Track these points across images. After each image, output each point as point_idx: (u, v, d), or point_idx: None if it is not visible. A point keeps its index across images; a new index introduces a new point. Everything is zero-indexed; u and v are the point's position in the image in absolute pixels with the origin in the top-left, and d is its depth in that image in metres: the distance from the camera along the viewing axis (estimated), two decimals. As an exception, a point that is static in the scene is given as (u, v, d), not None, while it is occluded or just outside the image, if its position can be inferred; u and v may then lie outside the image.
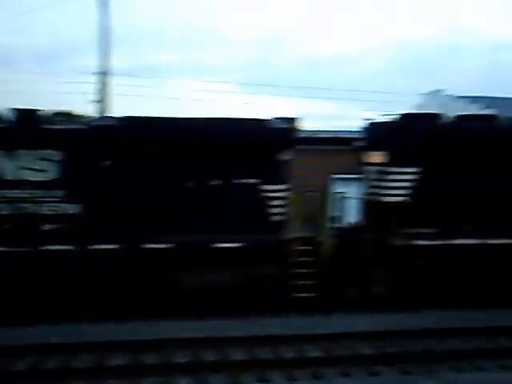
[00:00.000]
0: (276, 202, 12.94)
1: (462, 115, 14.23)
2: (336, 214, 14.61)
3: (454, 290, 13.27)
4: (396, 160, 13.22)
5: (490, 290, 13.42)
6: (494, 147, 13.49)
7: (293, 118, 18.26)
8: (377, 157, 13.57)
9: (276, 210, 12.95)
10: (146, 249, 12.42)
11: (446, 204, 13.18)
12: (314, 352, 10.45)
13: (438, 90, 32.63)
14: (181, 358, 10.08)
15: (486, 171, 13.41)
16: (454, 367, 9.79)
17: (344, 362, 9.87)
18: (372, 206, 13.44)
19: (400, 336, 11.23)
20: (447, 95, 31.13)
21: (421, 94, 34.95)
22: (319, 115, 60.66)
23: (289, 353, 10.42)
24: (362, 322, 12.33)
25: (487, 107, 25.89)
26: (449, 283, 13.29)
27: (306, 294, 12.91)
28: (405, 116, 13.68)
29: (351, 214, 14.54)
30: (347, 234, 13.89)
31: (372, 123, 14.19)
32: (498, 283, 13.47)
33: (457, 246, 13.21)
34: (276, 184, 12.92)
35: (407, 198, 13.19)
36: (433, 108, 23.83)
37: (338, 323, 12.30)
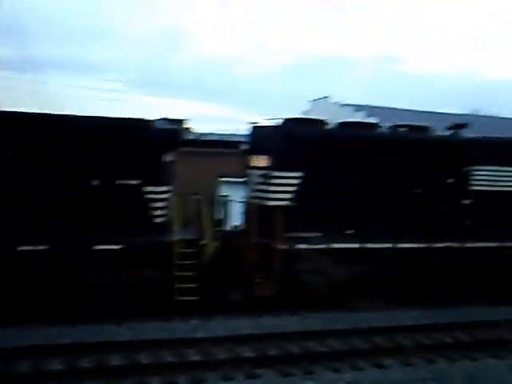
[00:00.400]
0: (159, 204, 12.74)
1: (344, 122, 14.68)
2: (220, 217, 14.63)
3: (336, 292, 13.67)
4: (278, 164, 13.41)
5: (370, 292, 13.96)
6: (373, 153, 14.00)
7: (181, 120, 18.10)
8: (260, 161, 13.70)
9: (158, 212, 12.75)
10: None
11: (328, 209, 13.48)
12: (194, 356, 10.34)
13: (325, 97, 33.60)
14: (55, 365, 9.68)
15: (366, 177, 13.89)
16: (333, 367, 10.00)
17: (225, 366, 9.84)
18: (256, 210, 13.51)
19: (282, 338, 11.36)
20: (333, 103, 32.12)
21: (309, 101, 35.93)
22: (212, 117, 60.90)
23: (168, 357, 10.26)
24: (244, 325, 12.39)
25: (369, 115, 26.99)
26: (331, 286, 13.66)
27: (188, 298, 12.78)
28: (287, 121, 13.92)
29: (236, 218, 14.59)
30: (231, 238, 13.92)
31: (256, 127, 14.32)
32: (377, 285, 14.01)
33: (338, 250, 13.54)
34: (159, 185, 12.71)
35: (290, 202, 13.40)
36: (319, 114, 24.44)
37: (220, 326, 12.27)
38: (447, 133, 15.50)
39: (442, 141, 15.08)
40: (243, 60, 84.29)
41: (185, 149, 14.94)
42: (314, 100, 34.38)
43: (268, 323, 12.70)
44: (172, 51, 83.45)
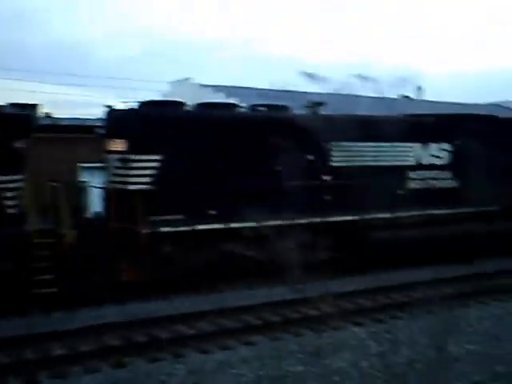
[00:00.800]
0: (11, 194, 12.05)
1: (203, 103, 14.64)
2: (80, 204, 14.13)
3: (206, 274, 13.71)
4: (136, 147, 13.16)
5: (236, 272, 14.14)
6: (233, 133, 14.06)
7: (33, 105, 17.25)
8: (118, 144, 13.34)
9: (11, 202, 12.07)
10: None
11: (189, 190, 13.39)
12: (57, 350, 9.92)
13: (186, 79, 33.35)
14: None
15: (226, 157, 13.94)
16: (203, 349, 9.99)
17: (90, 358, 9.52)
18: (117, 195, 13.15)
19: (150, 324, 11.19)
20: (193, 84, 31.96)
21: (169, 82, 35.52)
22: (70, 102, 58.50)
23: (29, 354, 9.77)
24: (112, 313, 12.10)
25: (229, 96, 27.14)
26: (199, 268, 13.67)
27: (47, 290, 12.23)
28: (143, 103, 13.65)
29: (96, 204, 14.14)
30: (92, 224, 13.48)
31: (112, 110, 13.90)
32: (243, 265, 14.20)
33: (202, 231, 13.51)
34: (9, 174, 12.02)
35: (151, 185, 13.17)
36: (179, 96, 24.21)
37: (85, 317, 11.88)
38: (305, 111, 15.89)
39: (300, 119, 15.41)
40: (104, 44, 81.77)
41: (40, 135, 14.27)
42: (174, 82, 34.07)
43: (136, 309, 12.49)
44: (29, 33, 79.19)
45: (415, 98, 44.35)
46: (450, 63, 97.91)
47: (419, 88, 47.17)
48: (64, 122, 20.32)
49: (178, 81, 33.36)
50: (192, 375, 8.87)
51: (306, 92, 32.20)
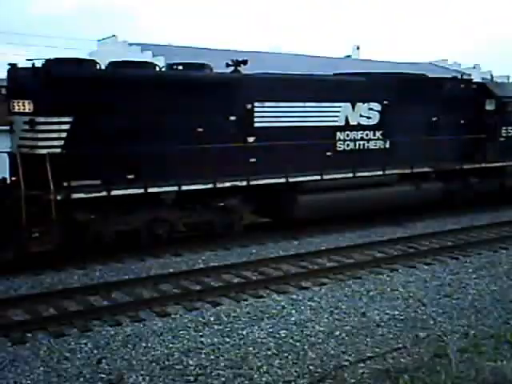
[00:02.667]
0: None
1: (116, 61, 13.86)
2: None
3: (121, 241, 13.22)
4: (43, 109, 12.29)
5: (156, 239, 13.71)
6: (148, 94, 13.35)
7: None
8: (23, 106, 12.49)
9: None
10: None
11: (105, 154, 12.70)
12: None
13: (112, 36, 32.16)
14: None
15: (143, 118, 13.27)
16: (113, 322, 9.51)
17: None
18: (25, 160, 12.33)
19: (60, 296, 10.63)
20: (121, 42, 30.87)
21: (97, 41, 34.26)
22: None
23: None
24: (21, 285, 11.54)
25: (156, 55, 26.30)
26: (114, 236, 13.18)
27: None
28: (50, 62, 12.79)
29: (1, 170, 13.29)
30: (-2, 191, 12.70)
31: (15, 69, 12.92)
32: (163, 230, 13.80)
33: (118, 197, 12.90)
34: None
35: (62, 149, 12.40)
36: (105, 55, 23.26)
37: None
38: (227, 70, 15.31)
39: (221, 78, 14.85)
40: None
41: None
42: (101, 40, 32.84)
43: (48, 280, 11.91)
44: None
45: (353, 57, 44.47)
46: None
47: (358, 48, 47.35)
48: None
49: (105, 39, 32.19)
50: (97, 350, 8.41)
51: (245, 51, 31.93)
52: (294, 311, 10.11)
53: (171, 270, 12.49)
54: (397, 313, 10.27)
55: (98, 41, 33.24)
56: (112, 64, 13.90)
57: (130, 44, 29.85)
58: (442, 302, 10.94)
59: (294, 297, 10.80)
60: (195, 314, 9.88)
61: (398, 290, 11.37)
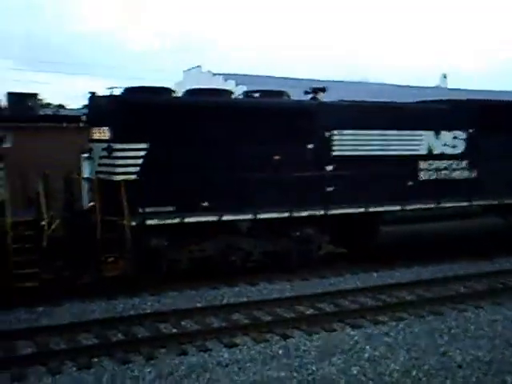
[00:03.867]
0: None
1: (193, 89, 13.96)
2: (74, 195, 13.54)
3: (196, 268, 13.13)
4: (120, 136, 12.43)
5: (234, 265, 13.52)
6: (225, 121, 13.28)
7: (31, 94, 16.74)
8: (102, 133, 12.68)
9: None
10: None
11: (180, 181, 12.69)
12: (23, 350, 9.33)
13: (198, 67, 32.72)
14: None
15: (219, 145, 13.20)
16: (179, 350, 9.30)
17: (59, 357, 8.89)
18: (102, 186, 12.48)
19: (126, 322, 10.55)
20: (205, 72, 31.34)
21: (183, 71, 34.95)
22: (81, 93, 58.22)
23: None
24: (94, 309, 11.58)
25: (239, 84, 26.44)
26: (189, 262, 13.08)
27: (28, 284, 11.66)
28: (128, 90, 12.97)
29: (83, 195, 13.49)
30: (77, 216, 12.87)
31: (95, 97, 13.19)
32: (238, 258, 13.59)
33: (194, 223, 12.83)
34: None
35: (138, 175, 12.45)
36: (190, 84, 23.56)
37: (66, 313, 11.35)
38: (305, 97, 15.07)
39: (299, 105, 14.62)
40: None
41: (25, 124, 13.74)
42: (186, 70, 33.49)
43: (122, 305, 11.90)
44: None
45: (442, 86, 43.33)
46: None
47: (445, 76, 46.13)
48: (65, 113, 19.83)
49: (190, 69, 32.79)
50: (160, 379, 8.19)
51: (328, 80, 31.76)
52: (368, 347, 9.57)
53: (244, 299, 12.22)
54: (481, 354, 9.53)
55: (184, 71, 33.88)
56: (188, 92, 13.98)
57: (214, 74, 30.22)
58: (532, 343, 10.12)
59: (369, 331, 10.26)
60: (263, 346, 9.52)
61: (483, 329, 10.60)
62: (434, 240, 15.60)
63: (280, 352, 9.25)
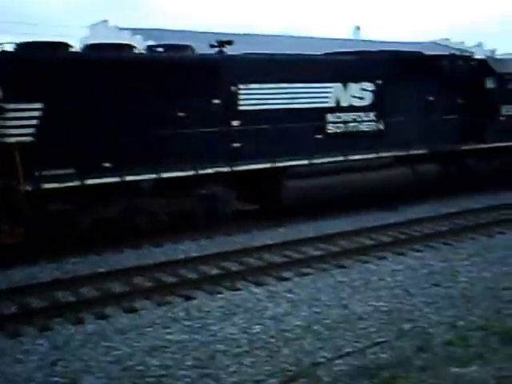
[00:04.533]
0: None
1: (93, 44, 13.38)
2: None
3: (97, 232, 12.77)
4: (12, 95, 11.76)
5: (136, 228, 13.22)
6: (128, 77, 12.82)
7: None
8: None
9: None
10: None
11: (79, 141, 12.20)
12: None
13: (104, 21, 31.58)
14: None
15: (122, 102, 12.75)
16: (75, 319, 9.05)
17: None
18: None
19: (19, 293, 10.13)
20: (111, 27, 30.30)
21: (88, 27, 33.68)
22: None
23: None
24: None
25: (147, 39, 25.73)
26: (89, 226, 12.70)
27: None
28: (21, 46, 12.27)
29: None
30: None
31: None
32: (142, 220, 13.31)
33: (95, 186, 12.42)
34: None
35: (33, 137, 11.87)
36: (97, 39, 22.68)
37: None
38: (211, 51, 14.73)
39: (203, 59, 14.27)
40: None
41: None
42: (92, 25, 32.27)
43: (18, 275, 11.44)
44: None
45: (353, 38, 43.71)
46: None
47: (358, 28, 46.56)
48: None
49: (96, 24, 31.59)
50: (54, 351, 7.94)
51: (241, 34, 31.30)
52: (270, 304, 9.60)
53: (149, 262, 12.01)
54: (381, 304, 9.74)
55: (89, 26, 32.67)
56: (87, 47, 13.40)
57: (121, 28, 29.25)
58: (431, 291, 10.40)
59: (273, 289, 10.29)
60: (165, 309, 9.39)
61: (384, 280, 10.83)
62: (343, 193, 15.76)
63: (181, 314, 9.15)
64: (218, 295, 9.94)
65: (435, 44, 42.86)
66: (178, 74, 13.37)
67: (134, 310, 9.27)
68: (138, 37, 26.88)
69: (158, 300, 9.68)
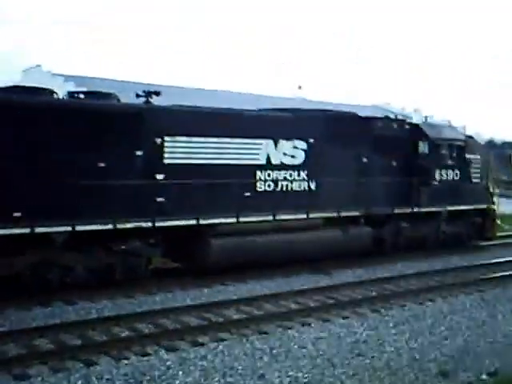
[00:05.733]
0: None
1: (9, 87, 12.92)
2: None
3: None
4: None
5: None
6: (42, 122, 12.27)
7: None
8: None
9: None
10: None
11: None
12: None
13: (38, 66, 31.03)
14: None
15: (36, 149, 12.16)
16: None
17: None
18: None
19: None
20: (45, 72, 29.74)
21: (22, 71, 32.96)
22: None
23: None
24: None
25: (79, 85, 25.31)
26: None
27: None
28: None
29: None
30: None
31: None
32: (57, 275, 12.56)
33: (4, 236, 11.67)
34: None
35: None
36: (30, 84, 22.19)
37: None
38: (137, 101, 14.34)
39: (126, 108, 13.83)
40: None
41: None
42: (25, 70, 31.64)
43: None
44: None
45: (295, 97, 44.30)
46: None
47: (299, 87, 47.25)
48: None
49: (30, 68, 30.99)
50: None
51: (179, 87, 31.22)
52: (180, 372, 8.99)
53: (56, 321, 11.22)
54: (300, 375, 9.29)
55: (23, 70, 31.99)
56: (4, 89, 12.84)
57: (53, 74, 28.72)
58: (355, 361, 10.02)
59: (185, 355, 9.66)
60: (62, 376, 8.64)
61: (306, 348, 10.37)
62: (273, 254, 15.36)
63: (79, 383, 8.43)
64: (124, 361, 9.25)
65: (376, 107, 43.78)
66: (98, 122, 12.87)
67: (25, 377, 8.47)
68: (71, 83, 26.41)
69: (55, 365, 8.90)
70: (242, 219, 14.68)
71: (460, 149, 20.03)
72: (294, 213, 15.74)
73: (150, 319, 11.36)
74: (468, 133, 24.70)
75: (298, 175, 16.06)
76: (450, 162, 19.57)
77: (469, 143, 20.97)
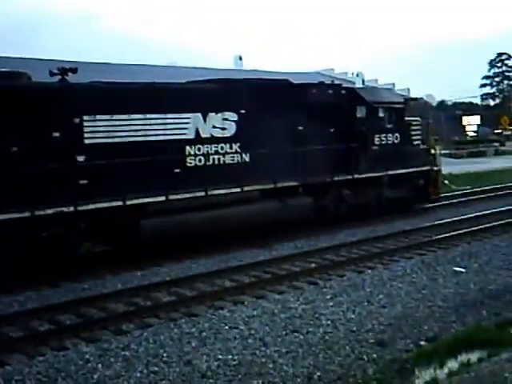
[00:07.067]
0: None
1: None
2: None
3: None
4: None
5: None
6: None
7: None
8: None
9: None
10: None
11: None
12: None
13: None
14: None
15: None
16: None
17: None
18: None
19: None
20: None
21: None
22: None
23: None
24: None
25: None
26: None
27: None
28: None
29: None
30: None
31: None
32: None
33: None
34: None
35: None
36: None
37: None
38: (52, 79, 13.57)
39: (38, 88, 13.09)
40: None
41: None
42: None
43: None
44: None
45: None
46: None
47: (240, 58, 46.60)
48: None
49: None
50: None
51: (106, 63, 30.11)
52: (100, 365, 8.49)
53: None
54: (230, 357, 8.92)
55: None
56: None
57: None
58: (288, 338, 9.67)
59: (106, 346, 9.15)
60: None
61: (237, 328, 9.97)
62: (208, 230, 14.90)
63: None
64: (39, 357, 8.69)
65: (320, 74, 43.37)
66: (7, 104, 12.13)
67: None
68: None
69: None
70: (172, 197, 14.15)
71: (399, 112, 19.76)
72: (228, 187, 15.27)
73: (73, 309, 10.79)
74: (418, 95, 24.53)
75: (231, 148, 15.55)
76: (389, 126, 19.27)
77: (408, 106, 20.77)
